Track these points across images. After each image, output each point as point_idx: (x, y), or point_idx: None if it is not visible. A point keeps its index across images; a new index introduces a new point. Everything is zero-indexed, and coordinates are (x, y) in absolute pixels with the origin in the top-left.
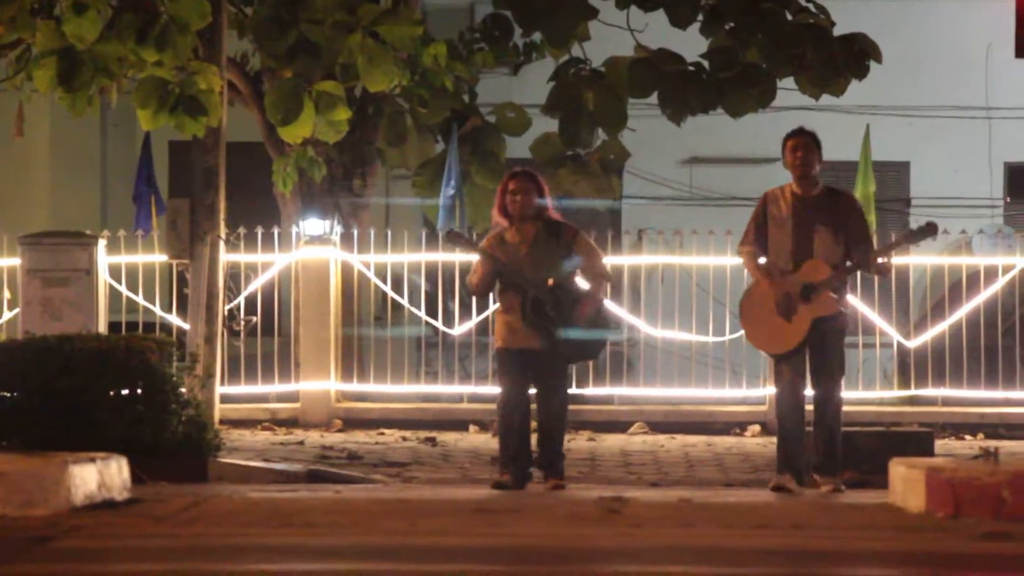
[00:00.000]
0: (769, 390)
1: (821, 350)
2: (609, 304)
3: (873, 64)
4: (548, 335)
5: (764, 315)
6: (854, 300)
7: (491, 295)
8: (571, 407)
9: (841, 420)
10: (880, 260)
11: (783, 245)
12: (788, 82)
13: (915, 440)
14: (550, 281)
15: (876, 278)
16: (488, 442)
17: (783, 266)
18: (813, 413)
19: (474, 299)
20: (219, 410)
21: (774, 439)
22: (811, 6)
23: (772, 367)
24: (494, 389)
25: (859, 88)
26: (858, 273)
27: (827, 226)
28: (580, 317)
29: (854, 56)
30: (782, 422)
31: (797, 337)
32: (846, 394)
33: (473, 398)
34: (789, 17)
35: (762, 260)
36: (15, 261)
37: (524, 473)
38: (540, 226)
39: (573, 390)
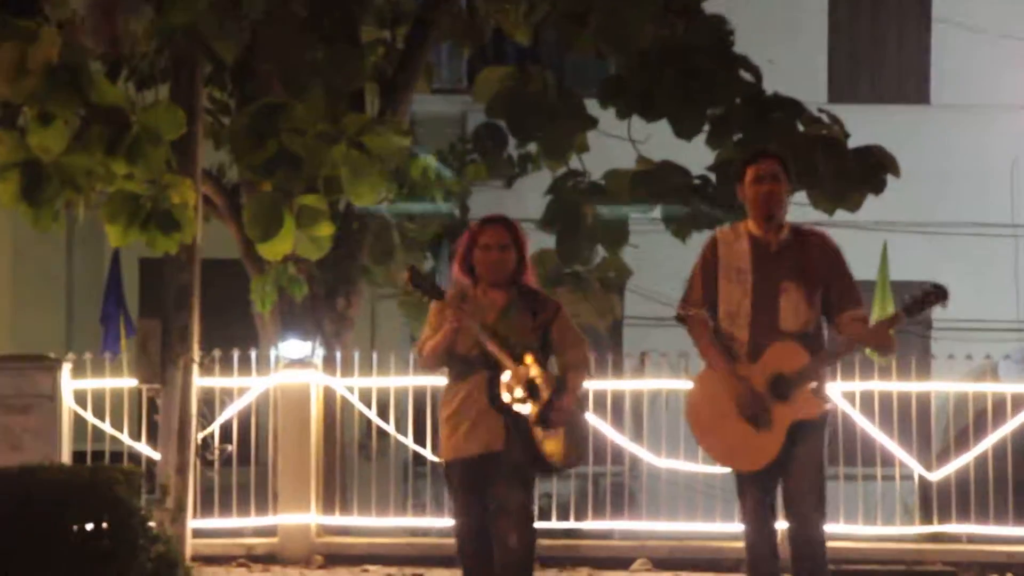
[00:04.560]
0: (782, 524)
1: (795, 462)
2: (604, 427)
3: (891, 178)
4: (520, 429)
5: (721, 417)
6: (870, 427)
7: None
8: (567, 542)
9: (826, 556)
10: (880, 336)
11: (739, 305)
12: (800, 196)
13: None
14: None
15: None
16: None
17: (737, 335)
18: (791, 551)
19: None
20: (191, 545)
21: None
22: (824, 116)
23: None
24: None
25: (876, 203)
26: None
27: (797, 281)
28: (560, 415)
29: (870, 169)
30: (752, 549)
31: (772, 449)
32: (864, 530)
33: None
34: (800, 128)
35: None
36: None
37: None
38: (513, 293)
39: (570, 523)
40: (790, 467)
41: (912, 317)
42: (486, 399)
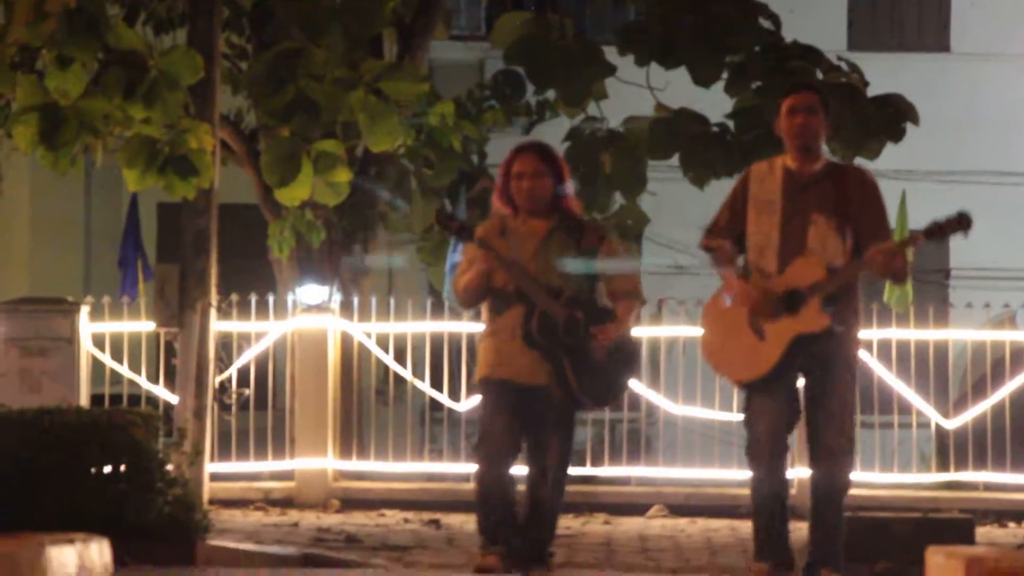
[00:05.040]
0: (800, 472)
1: (818, 388)
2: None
3: (911, 126)
4: (559, 367)
5: (730, 327)
6: (887, 375)
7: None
8: (584, 488)
9: (843, 504)
10: (894, 258)
11: (767, 238)
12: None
13: (954, 528)
14: (564, 292)
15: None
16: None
17: (765, 267)
18: (811, 491)
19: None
20: (208, 489)
21: (804, 524)
22: (843, 64)
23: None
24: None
25: (895, 151)
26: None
27: (828, 214)
28: (601, 345)
29: (889, 118)
30: (757, 489)
31: (770, 358)
32: (881, 478)
33: None
34: (820, 76)
35: (740, 261)
36: None
37: (512, 551)
38: (555, 220)
39: (587, 470)
40: (808, 390)
41: (932, 240)
42: (520, 336)
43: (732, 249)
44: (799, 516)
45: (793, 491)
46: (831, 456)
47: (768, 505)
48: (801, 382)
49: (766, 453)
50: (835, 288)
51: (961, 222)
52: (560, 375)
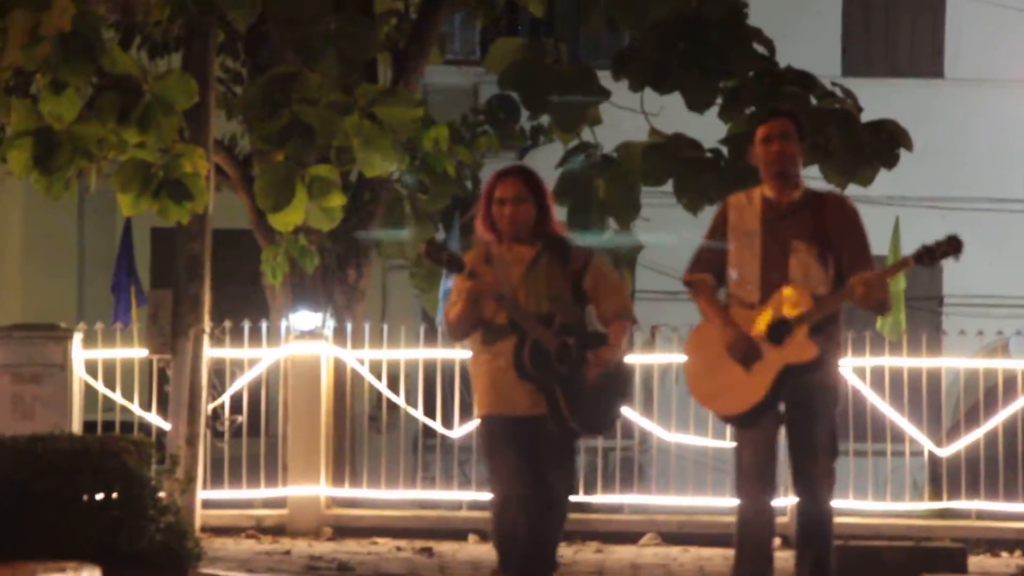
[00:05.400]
0: (793, 499)
1: (801, 418)
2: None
3: (904, 153)
4: (551, 398)
5: (714, 359)
6: (880, 402)
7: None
8: (577, 516)
9: (831, 532)
10: (874, 288)
11: (749, 268)
12: (812, 170)
13: (947, 556)
14: (556, 319)
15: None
16: (489, 553)
17: (748, 299)
18: (796, 521)
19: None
20: (200, 516)
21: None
22: (837, 90)
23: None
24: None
25: (889, 178)
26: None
27: (808, 242)
28: (595, 372)
29: (883, 143)
30: (743, 526)
31: (758, 391)
32: (874, 506)
33: (473, 505)
34: (814, 102)
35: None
36: None
37: None
38: (540, 245)
39: (579, 497)
40: (791, 419)
41: (922, 264)
42: (512, 368)
43: (713, 283)
44: (790, 545)
45: (785, 519)
46: (815, 486)
47: (753, 537)
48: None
49: (753, 485)
50: (820, 318)
51: (951, 245)
52: (553, 406)
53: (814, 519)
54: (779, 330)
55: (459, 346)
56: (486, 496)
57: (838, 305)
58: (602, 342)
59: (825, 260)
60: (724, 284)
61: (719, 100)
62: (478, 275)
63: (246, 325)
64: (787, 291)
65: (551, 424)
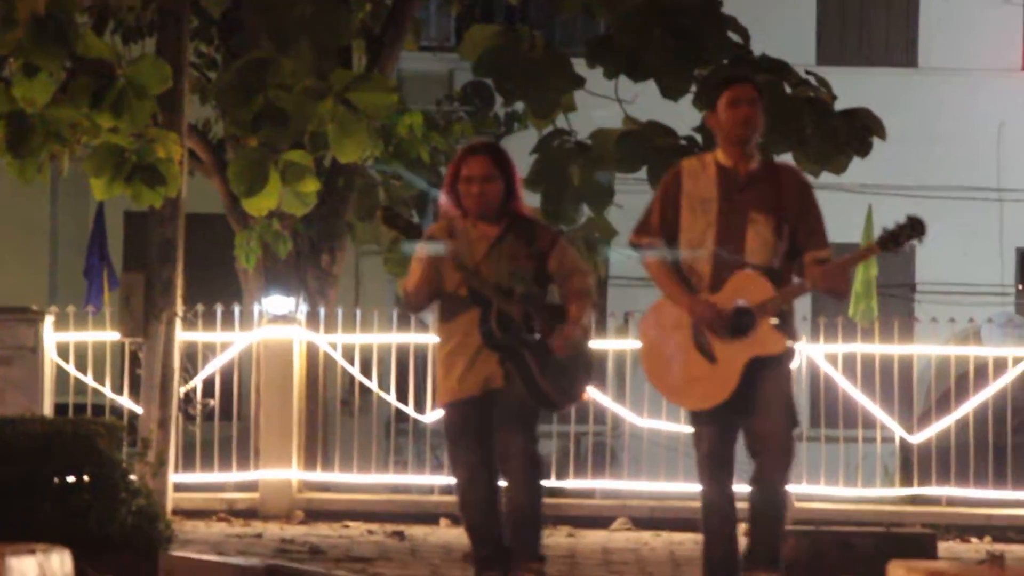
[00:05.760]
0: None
1: (758, 401)
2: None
3: (877, 141)
4: (520, 365)
5: (676, 348)
6: (852, 389)
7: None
8: (549, 501)
9: (785, 513)
10: (834, 277)
11: (701, 238)
12: (787, 158)
13: (917, 542)
14: (516, 291)
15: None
16: (461, 536)
17: (699, 269)
18: (750, 501)
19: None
20: (172, 500)
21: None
22: (811, 79)
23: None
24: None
25: (862, 166)
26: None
27: (767, 214)
28: (562, 344)
29: (856, 132)
30: (708, 510)
31: (727, 385)
32: (845, 492)
33: (445, 489)
34: (788, 90)
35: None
36: None
37: (507, 564)
38: (506, 223)
39: (551, 482)
40: (754, 407)
41: (887, 250)
42: (479, 337)
43: (665, 250)
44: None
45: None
46: (771, 469)
47: (719, 520)
48: None
49: (714, 470)
50: (785, 304)
51: (915, 228)
52: (523, 372)
53: (768, 501)
54: (742, 320)
55: (432, 331)
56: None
57: (801, 293)
58: (561, 316)
59: (780, 233)
60: (672, 250)
61: (693, 88)
62: (436, 238)
63: (219, 309)
64: (741, 276)
65: (519, 391)
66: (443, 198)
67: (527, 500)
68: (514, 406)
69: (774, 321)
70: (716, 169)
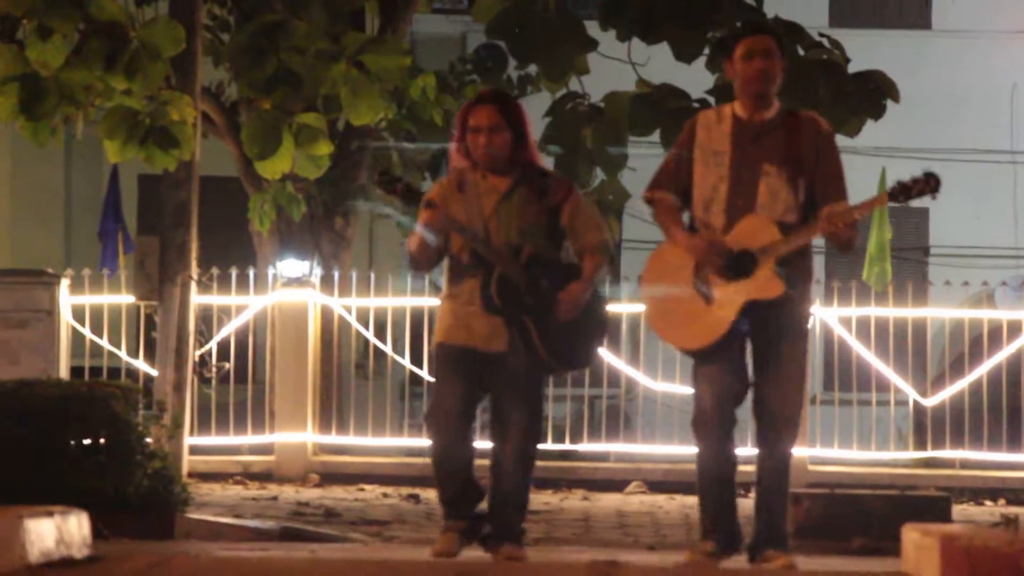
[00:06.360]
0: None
1: (768, 356)
2: (604, 354)
3: (891, 104)
4: (522, 331)
5: (675, 290)
6: (866, 352)
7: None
8: (563, 464)
9: (788, 481)
10: (841, 224)
11: (714, 190)
12: None
13: (931, 505)
14: (525, 251)
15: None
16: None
17: (712, 222)
18: (756, 467)
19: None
20: (188, 462)
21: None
22: (825, 41)
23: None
24: (485, 443)
25: (875, 128)
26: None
27: (780, 165)
28: (567, 306)
29: (870, 95)
30: (703, 464)
31: (720, 325)
32: (859, 455)
33: None
34: (801, 52)
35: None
36: None
37: (476, 524)
38: (516, 175)
39: (566, 446)
40: (757, 357)
41: (897, 202)
42: (480, 302)
43: (676, 202)
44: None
45: (743, 467)
46: (777, 428)
47: (715, 481)
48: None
49: (713, 426)
50: (787, 252)
51: (928, 183)
52: (525, 338)
53: (774, 466)
54: (743, 262)
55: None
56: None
57: (807, 239)
58: (574, 275)
59: (796, 186)
60: (689, 205)
61: (706, 50)
62: (436, 205)
63: (233, 272)
64: (750, 220)
65: (521, 357)
66: (453, 150)
67: (517, 471)
68: (517, 375)
69: (776, 269)
70: (732, 121)
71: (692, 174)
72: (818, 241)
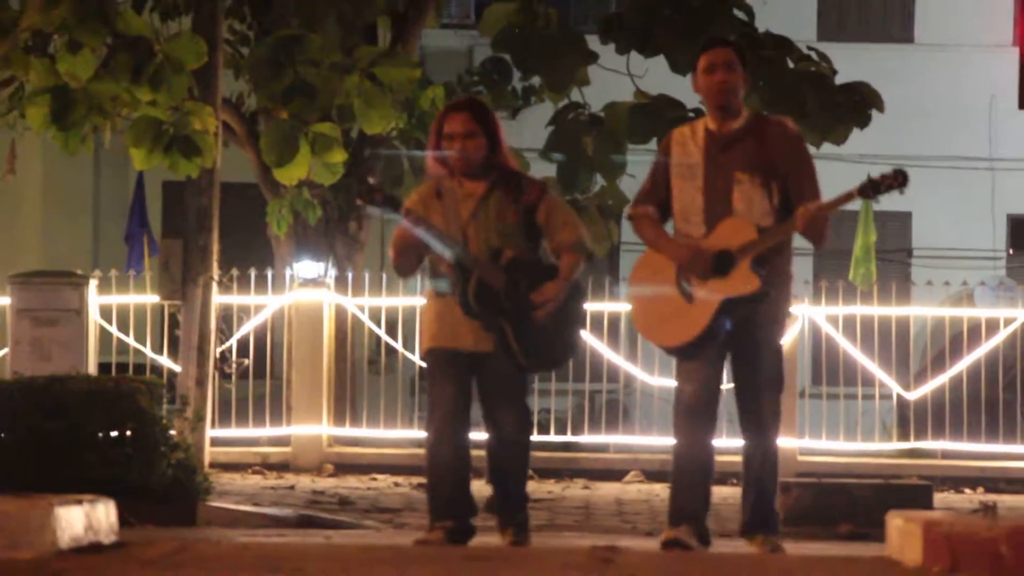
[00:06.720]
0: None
1: (745, 354)
2: (601, 346)
3: (875, 113)
4: (501, 335)
5: (658, 291)
6: (852, 348)
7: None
8: (565, 455)
9: (776, 468)
10: (813, 220)
11: (692, 202)
12: None
13: (914, 493)
14: (505, 254)
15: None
16: (482, 489)
17: (691, 233)
18: (743, 459)
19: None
20: (209, 453)
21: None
22: (813, 54)
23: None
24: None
25: (860, 137)
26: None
27: (752, 172)
28: (543, 307)
29: (855, 105)
30: (678, 463)
31: (699, 323)
32: (845, 446)
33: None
34: (791, 64)
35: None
36: (5, 300)
37: (464, 527)
38: (492, 178)
39: (568, 438)
40: (735, 354)
41: (866, 197)
42: (459, 307)
43: (655, 214)
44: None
45: (722, 458)
46: (760, 424)
47: (688, 473)
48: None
49: (692, 420)
50: (764, 249)
51: (896, 178)
52: (503, 343)
53: (759, 458)
54: (723, 261)
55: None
56: (478, 435)
57: (783, 236)
58: (553, 275)
59: (769, 190)
60: (671, 218)
61: None
62: (414, 214)
63: (252, 273)
64: (729, 222)
65: (502, 361)
66: (429, 158)
67: (513, 462)
68: (505, 373)
69: (754, 267)
70: (704, 134)
71: (671, 188)
72: (805, 244)
